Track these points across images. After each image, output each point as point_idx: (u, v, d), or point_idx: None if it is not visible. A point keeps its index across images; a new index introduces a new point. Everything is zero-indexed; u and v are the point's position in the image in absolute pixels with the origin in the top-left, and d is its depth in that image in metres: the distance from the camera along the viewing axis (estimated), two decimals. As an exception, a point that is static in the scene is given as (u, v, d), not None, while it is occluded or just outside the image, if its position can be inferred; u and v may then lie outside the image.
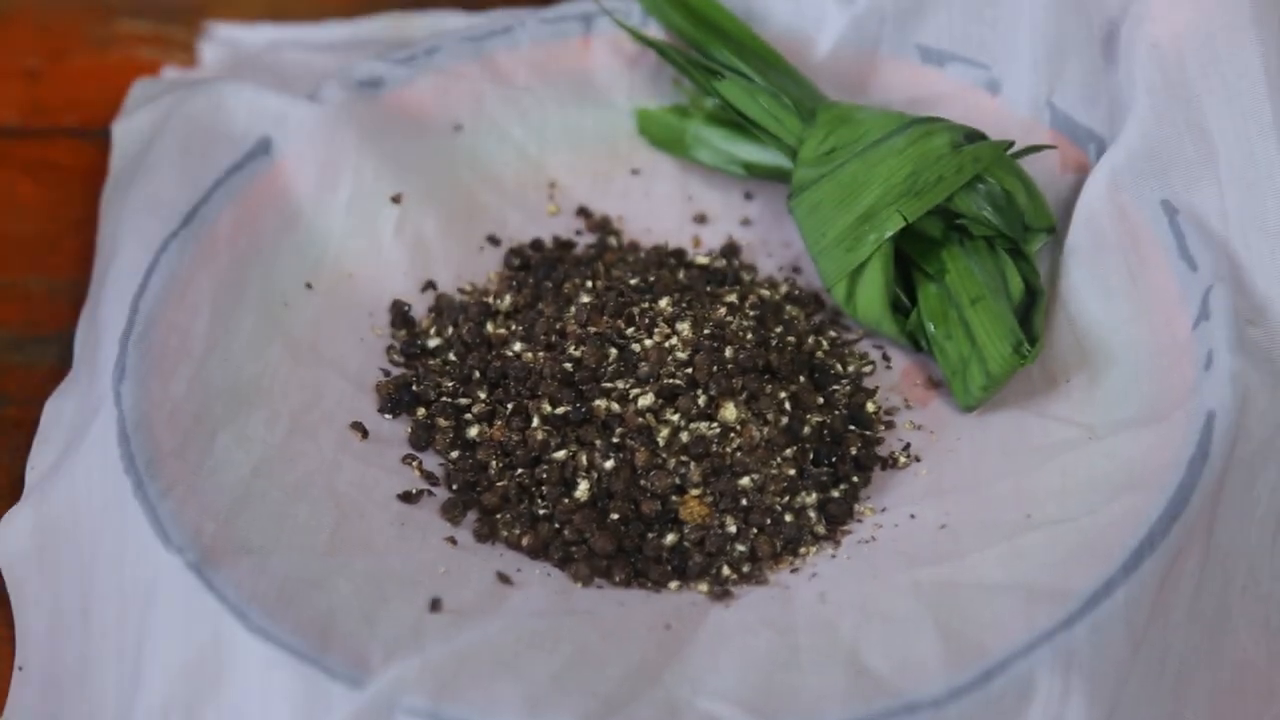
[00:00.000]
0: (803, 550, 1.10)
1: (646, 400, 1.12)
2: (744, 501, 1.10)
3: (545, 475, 1.12)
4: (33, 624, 1.08)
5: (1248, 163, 1.13)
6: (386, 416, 1.18)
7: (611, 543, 1.09)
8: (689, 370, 1.13)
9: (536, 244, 1.29)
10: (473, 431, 1.16)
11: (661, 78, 1.33)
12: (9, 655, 1.08)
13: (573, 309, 1.18)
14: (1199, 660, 1.01)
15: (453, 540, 1.10)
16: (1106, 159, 1.17)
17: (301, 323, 1.20)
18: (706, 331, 1.15)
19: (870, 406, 1.18)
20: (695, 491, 1.10)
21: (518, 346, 1.18)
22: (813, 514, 1.11)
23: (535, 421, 1.14)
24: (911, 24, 1.29)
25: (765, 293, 1.23)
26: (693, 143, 1.30)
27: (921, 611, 1.00)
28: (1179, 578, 1.00)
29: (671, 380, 1.13)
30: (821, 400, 1.17)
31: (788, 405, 1.14)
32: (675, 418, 1.11)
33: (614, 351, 1.15)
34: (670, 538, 1.09)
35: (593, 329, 1.16)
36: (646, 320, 1.16)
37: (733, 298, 1.20)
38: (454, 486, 1.14)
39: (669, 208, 1.31)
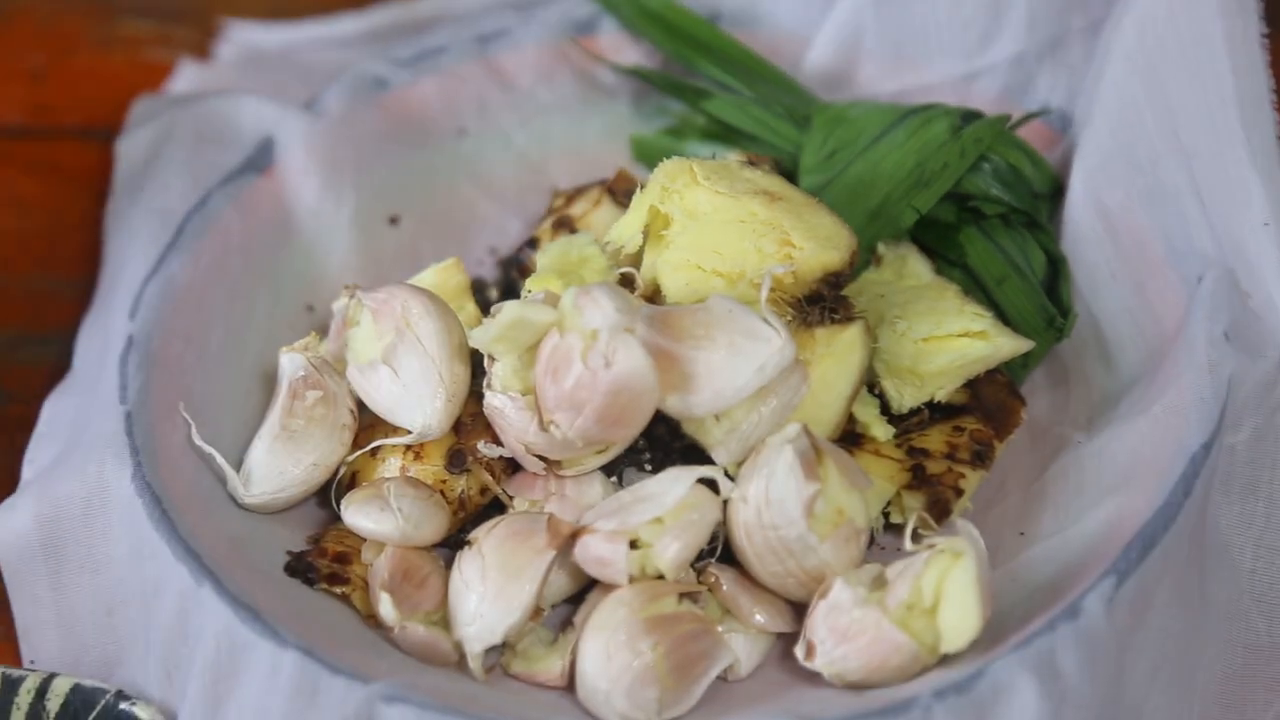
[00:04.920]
0: None
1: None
2: None
3: None
4: (42, 618, 1.06)
5: (1209, 133, 1.09)
6: None
7: None
8: None
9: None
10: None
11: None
12: (8, 652, 1.08)
13: None
14: (1205, 648, 1.01)
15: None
16: (1079, 150, 1.15)
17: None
18: None
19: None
20: None
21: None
22: None
23: None
24: (895, 13, 1.27)
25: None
26: None
27: None
28: (1172, 571, 0.98)
29: None
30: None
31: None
32: None
33: None
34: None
35: None
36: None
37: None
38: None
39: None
